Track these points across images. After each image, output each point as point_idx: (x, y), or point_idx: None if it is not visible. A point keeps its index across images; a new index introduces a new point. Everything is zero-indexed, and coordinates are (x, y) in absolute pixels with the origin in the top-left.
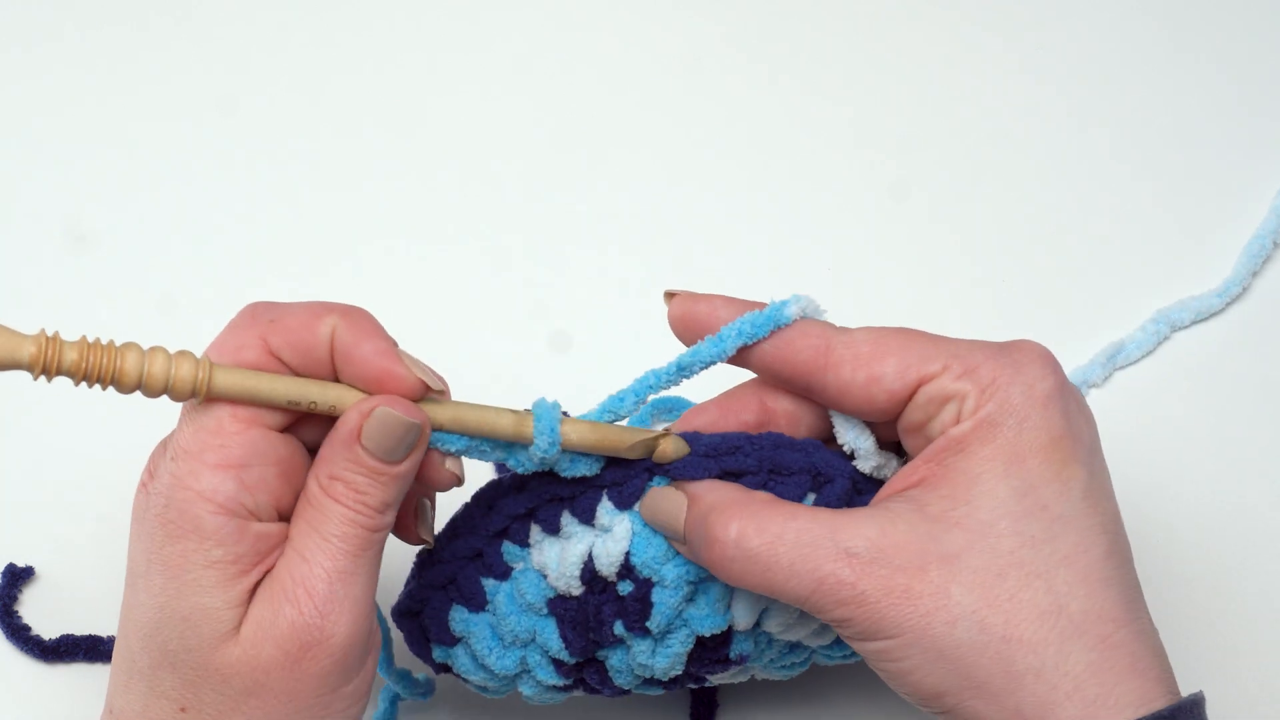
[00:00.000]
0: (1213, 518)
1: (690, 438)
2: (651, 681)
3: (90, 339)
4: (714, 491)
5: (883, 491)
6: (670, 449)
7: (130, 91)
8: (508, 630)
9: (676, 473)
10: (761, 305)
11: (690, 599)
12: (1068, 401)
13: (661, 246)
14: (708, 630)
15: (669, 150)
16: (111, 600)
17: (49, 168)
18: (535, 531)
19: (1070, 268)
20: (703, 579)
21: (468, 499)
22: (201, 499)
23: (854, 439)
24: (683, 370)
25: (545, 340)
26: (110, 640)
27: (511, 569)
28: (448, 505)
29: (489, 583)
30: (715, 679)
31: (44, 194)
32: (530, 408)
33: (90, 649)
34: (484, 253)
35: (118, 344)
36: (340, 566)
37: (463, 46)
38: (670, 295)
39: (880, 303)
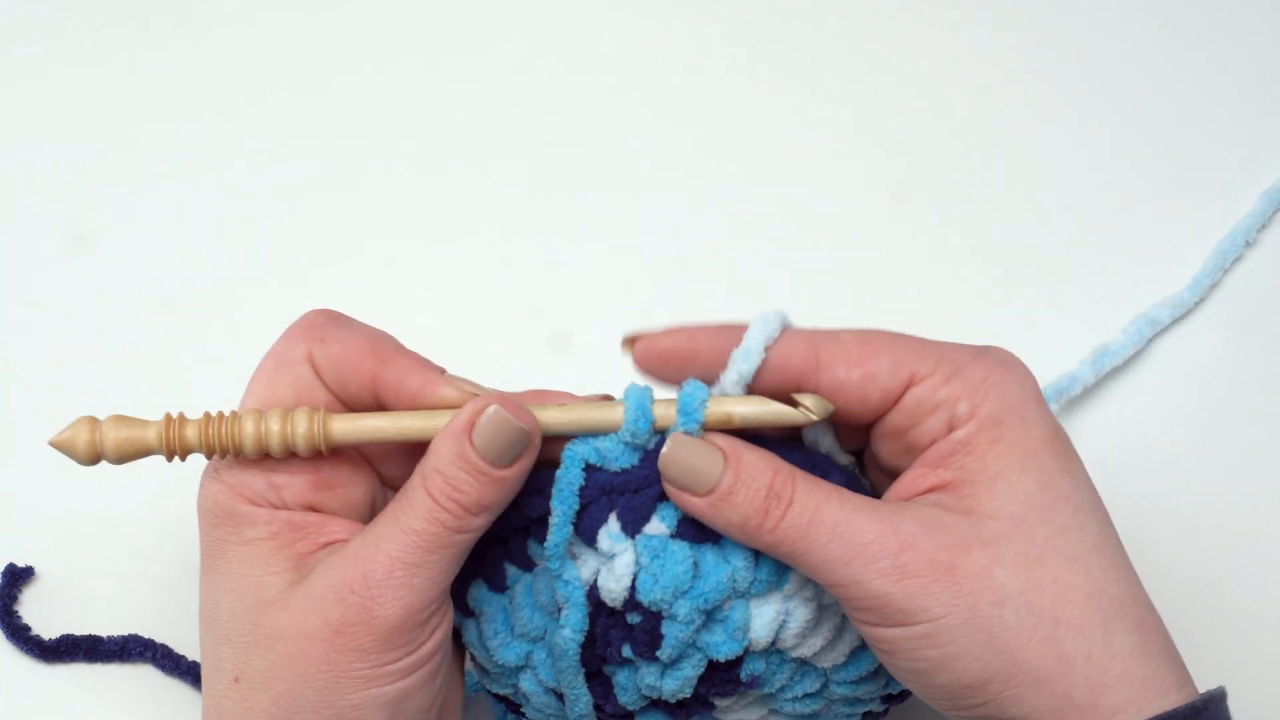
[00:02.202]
0: (1205, 519)
1: None
2: (658, 705)
3: (213, 412)
4: (754, 449)
5: (890, 497)
6: (816, 410)
7: (130, 91)
8: (519, 621)
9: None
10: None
11: (705, 627)
12: (1045, 401)
13: (661, 246)
14: (723, 655)
15: (669, 150)
16: (111, 600)
17: (49, 168)
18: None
19: (1070, 266)
20: (716, 606)
21: None
22: (231, 491)
23: (818, 437)
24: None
25: (545, 340)
26: (109, 640)
27: (535, 564)
28: None
29: (512, 569)
30: (724, 705)
31: (44, 194)
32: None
33: (90, 649)
34: (484, 253)
35: (235, 414)
36: (408, 559)
37: (463, 46)
38: (631, 340)
39: (879, 302)
